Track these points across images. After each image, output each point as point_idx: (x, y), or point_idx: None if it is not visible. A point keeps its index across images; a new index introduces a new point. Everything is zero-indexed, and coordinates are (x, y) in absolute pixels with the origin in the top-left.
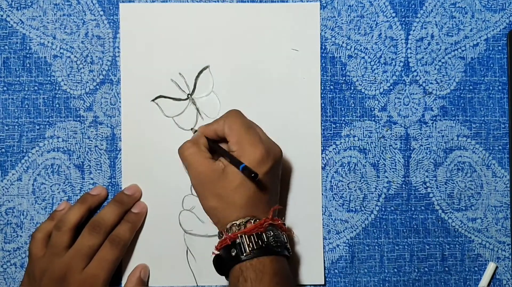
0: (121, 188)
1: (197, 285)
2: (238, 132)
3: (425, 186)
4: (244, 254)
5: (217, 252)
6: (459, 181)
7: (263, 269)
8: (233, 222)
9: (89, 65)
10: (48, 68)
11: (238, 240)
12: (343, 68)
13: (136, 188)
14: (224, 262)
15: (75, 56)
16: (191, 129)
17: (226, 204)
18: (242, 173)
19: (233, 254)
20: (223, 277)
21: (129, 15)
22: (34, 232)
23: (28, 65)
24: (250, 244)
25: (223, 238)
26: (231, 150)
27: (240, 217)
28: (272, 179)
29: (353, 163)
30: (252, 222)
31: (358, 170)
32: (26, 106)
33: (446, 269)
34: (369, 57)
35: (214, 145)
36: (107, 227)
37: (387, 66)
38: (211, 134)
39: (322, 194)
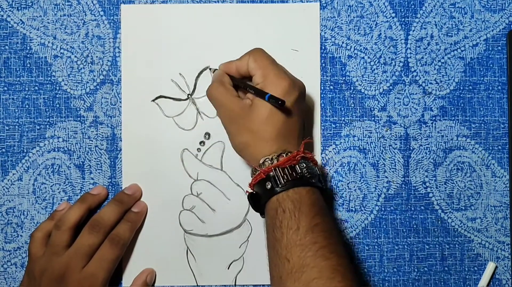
0: (121, 187)
1: (197, 285)
2: (264, 64)
3: (424, 186)
4: (280, 186)
5: (250, 190)
6: (459, 180)
7: (300, 199)
8: (266, 157)
9: (90, 65)
10: (49, 68)
11: (272, 173)
12: (343, 68)
13: (136, 188)
14: (259, 197)
15: (75, 56)
16: (209, 68)
17: (257, 138)
18: (269, 102)
19: (268, 187)
20: (223, 276)
21: (130, 15)
22: (34, 232)
23: (28, 65)
24: (285, 175)
25: (257, 173)
26: (257, 83)
27: (272, 151)
28: (299, 111)
29: (353, 163)
30: (284, 155)
31: (358, 170)
32: (27, 106)
33: (446, 268)
34: (368, 57)
35: (238, 80)
36: (106, 226)
37: (386, 66)
38: (232, 72)
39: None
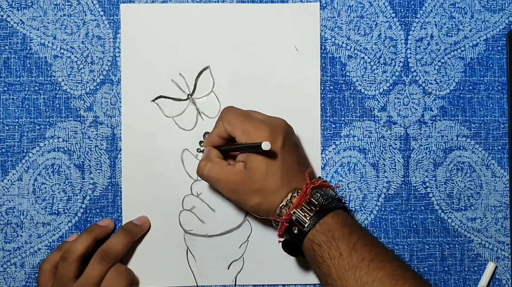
0: (121, 187)
1: (197, 285)
2: (239, 123)
3: (424, 186)
4: (306, 225)
5: (281, 239)
6: (459, 181)
7: (330, 228)
8: (280, 205)
9: (90, 65)
10: (49, 69)
11: (293, 217)
12: (343, 69)
13: (145, 219)
14: (292, 244)
15: (75, 57)
16: (200, 144)
17: (265, 195)
18: (258, 152)
19: (296, 231)
20: (223, 276)
21: (130, 15)
22: (42, 264)
23: (28, 65)
24: (305, 214)
25: (280, 224)
26: (241, 142)
27: (283, 197)
28: (291, 149)
29: (353, 163)
30: (296, 195)
31: (357, 170)
32: (27, 106)
33: (446, 269)
34: (368, 57)
35: (224, 147)
36: (116, 257)
37: (386, 66)
38: (216, 141)
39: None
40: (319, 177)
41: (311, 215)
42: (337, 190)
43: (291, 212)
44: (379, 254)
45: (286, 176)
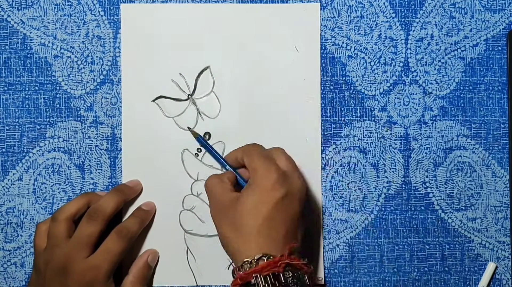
0: None
1: (197, 285)
2: (255, 158)
3: (425, 186)
4: None
5: None
6: (459, 181)
7: None
8: (245, 260)
9: (90, 65)
10: (49, 68)
11: (252, 281)
12: (343, 69)
13: (137, 182)
14: None
15: (75, 56)
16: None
17: (238, 234)
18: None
19: None
20: (223, 276)
21: (130, 15)
22: (39, 224)
23: (28, 65)
24: (266, 285)
25: (235, 278)
26: (248, 176)
27: (252, 252)
28: (286, 210)
29: (353, 163)
30: (265, 259)
31: (358, 170)
32: (27, 106)
33: (446, 269)
34: (369, 57)
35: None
36: (105, 214)
37: (387, 66)
38: (232, 159)
39: (322, 194)
40: (304, 259)
41: None
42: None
43: (253, 275)
44: None
45: (267, 230)
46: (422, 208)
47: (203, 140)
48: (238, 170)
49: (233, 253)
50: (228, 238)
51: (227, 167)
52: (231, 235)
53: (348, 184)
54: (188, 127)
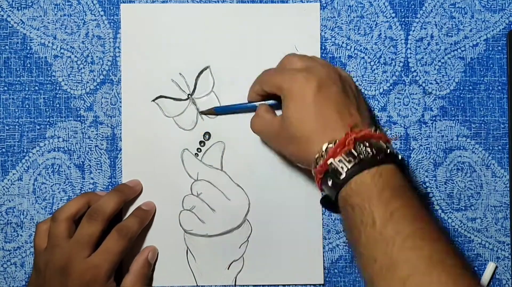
0: None
1: (197, 285)
2: (272, 80)
3: (424, 186)
4: (341, 177)
5: (322, 194)
6: (459, 181)
7: (366, 190)
8: (315, 156)
9: (90, 65)
10: (49, 68)
11: (328, 168)
12: (343, 68)
13: (137, 182)
14: (328, 199)
15: (75, 56)
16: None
17: (299, 142)
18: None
19: (329, 183)
20: (223, 276)
21: (130, 15)
22: (39, 223)
23: (28, 65)
24: (343, 165)
25: (315, 176)
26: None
27: (318, 146)
28: (330, 95)
29: None
30: (332, 144)
31: None
32: (27, 106)
33: None
34: (369, 57)
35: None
36: (105, 214)
37: (386, 66)
38: (253, 97)
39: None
40: (377, 127)
41: (348, 167)
42: (394, 143)
43: (328, 162)
44: (421, 229)
45: (321, 121)
46: None
47: (221, 109)
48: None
49: (304, 160)
50: (295, 152)
51: (256, 104)
52: (294, 148)
53: None
54: (200, 111)
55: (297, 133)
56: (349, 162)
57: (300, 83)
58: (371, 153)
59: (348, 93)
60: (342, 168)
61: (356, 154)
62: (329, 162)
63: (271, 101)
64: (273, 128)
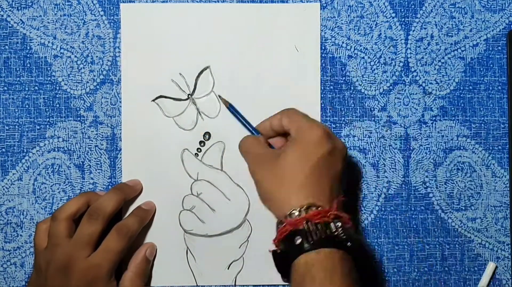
0: None
1: (197, 285)
2: (298, 119)
3: (424, 186)
4: (311, 242)
5: (274, 248)
6: (459, 181)
7: (333, 268)
8: (293, 208)
9: (90, 65)
10: (49, 68)
11: (302, 226)
12: (343, 69)
13: (137, 181)
14: (286, 255)
15: (75, 56)
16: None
17: (284, 185)
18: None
19: (298, 242)
20: (223, 276)
21: (130, 15)
22: (39, 223)
23: (28, 65)
24: (317, 232)
25: (283, 225)
26: (292, 137)
27: (299, 202)
28: (331, 166)
29: (353, 162)
30: (314, 209)
31: (357, 170)
32: (27, 106)
33: (446, 269)
34: (369, 57)
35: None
36: (105, 213)
37: (387, 66)
38: (267, 129)
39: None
40: (350, 216)
41: (322, 236)
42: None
43: (304, 220)
44: None
45: (313, 183)
46: (422, 208)
47: (233, 109)
48: (269, 139)
49: (278, 204)
50: (272, 191)
51: (259, 135)
52: (274, 187)
53: (348, 183)
54: (219, 95)
55: (286, 178)
56: (325, 232)
57: (317, 138)
58: (344, 236)
59: (344, 174)
60: (316, 234)
61: (333, 230)
62: (304, 221)
63: (273, 139)
64: (266, 156)
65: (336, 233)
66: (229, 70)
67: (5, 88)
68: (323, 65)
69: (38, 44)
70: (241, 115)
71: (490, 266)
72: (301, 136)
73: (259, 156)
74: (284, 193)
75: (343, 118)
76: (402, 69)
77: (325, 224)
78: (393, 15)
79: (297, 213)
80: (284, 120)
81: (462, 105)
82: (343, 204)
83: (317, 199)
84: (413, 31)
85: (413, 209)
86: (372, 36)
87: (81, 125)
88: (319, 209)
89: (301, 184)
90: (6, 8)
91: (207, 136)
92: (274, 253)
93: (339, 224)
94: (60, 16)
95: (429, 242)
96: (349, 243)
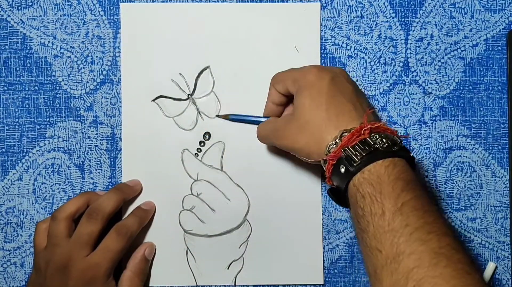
0: None
1: (197, 285)
2: (287, 76)
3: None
4: (354, 164)
5: (329, 186)
6: (459, 181)
7: (379, 179)
8: (329, 144)
9: (90, 65)
10: (49, 68)
11: (342, 155)
12: (343, 68)
13: (137, 182)
14: (338, 189)
15: (75, 56)
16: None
17: (312, 130)
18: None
19: (342, 170)
20: (223, 276)
21: (130, 15)
22: (39, 223)
23: (28, 65)
24: (357, 153)
25: (327, 162)
26: (293, 92)
27: (332, 134)
28: (341, 89)
29: None
30: (347, 134)
31: None
32: (27, 106)
33: None
34: (369, 57)
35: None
36: (104, 213)
37: (386, 66)
38: (273, 109)
39: (322, 194)
40: (385, 122)
41: (363, 154)
42: (405, 140)
43: (341, 148)
44: (428, 223)
45: (335, 109)
46: None
47: (236, 117)
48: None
49: (317, 150)
50: (306, 143)
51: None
52: (306, 139)
53: None
54: (216, 115)
55: (310, 121)
56: (364, 150)
57: (314, 74)
58: (386, 144)
59: (360, 91)
60: (356, 155)
61: (371, 143)
62: (343, 148)
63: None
64: (280, 124)
65: (375, 146)
66: (229, 70)
67: (5, 88)
68: (323, 65)
69: (38, 44)
70: (245, 117)
71: (490, 266)
72: (300, 85)
73: (277, 129)
74: (315, 138)
75: None
76: (402, 69)
77: (362, 142)
78: (393, 15)
79: (334, 146)
80: (278, 87)
81: (462, 105)
82: (375, 115)
83: (346, 123)
84: (413, 31)
85: None
86: (372, 36)
87: (81, 125)
88: (349, 131)
89: (325, 119)
90: (6, 8)
91: (207, 136)
92: (329, 191)
93: (377, 136)
94: (60, 16)
95: None
96: (393, 148)
